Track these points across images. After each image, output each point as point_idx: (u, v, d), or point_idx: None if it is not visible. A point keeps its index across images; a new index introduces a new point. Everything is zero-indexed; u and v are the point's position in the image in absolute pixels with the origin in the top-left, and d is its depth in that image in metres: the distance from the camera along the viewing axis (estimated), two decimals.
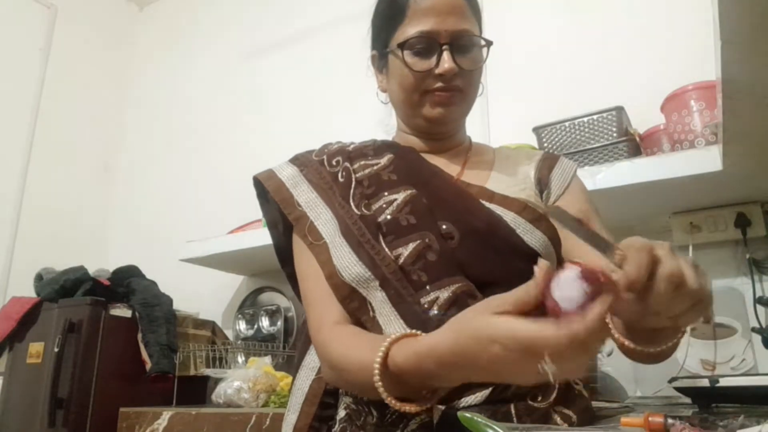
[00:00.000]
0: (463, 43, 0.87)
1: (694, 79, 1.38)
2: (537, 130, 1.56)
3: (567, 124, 1.51)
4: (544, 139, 1.54)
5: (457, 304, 0.75)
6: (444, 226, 0.81)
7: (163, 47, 2.95)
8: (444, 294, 0.76)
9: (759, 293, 1.40)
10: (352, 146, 0.95)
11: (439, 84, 0.86)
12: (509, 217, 0.83)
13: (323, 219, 0.85)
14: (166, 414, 1.52)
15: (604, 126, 1.47)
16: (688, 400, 1.16)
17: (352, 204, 0.85)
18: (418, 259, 0.78)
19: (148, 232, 2.60)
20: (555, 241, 0.85)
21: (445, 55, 0.85)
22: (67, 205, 2.60)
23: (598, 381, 1.41)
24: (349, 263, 0.79)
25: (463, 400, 0.72)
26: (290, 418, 0.87)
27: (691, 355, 1.42)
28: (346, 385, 0.78)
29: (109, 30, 2.96)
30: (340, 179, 0.88)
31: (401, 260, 0.79)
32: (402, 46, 0.87)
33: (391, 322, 0.77)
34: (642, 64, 1.67)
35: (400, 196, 0.84)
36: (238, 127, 2.50)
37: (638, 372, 1.51)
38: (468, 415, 0.53)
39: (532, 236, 0.83)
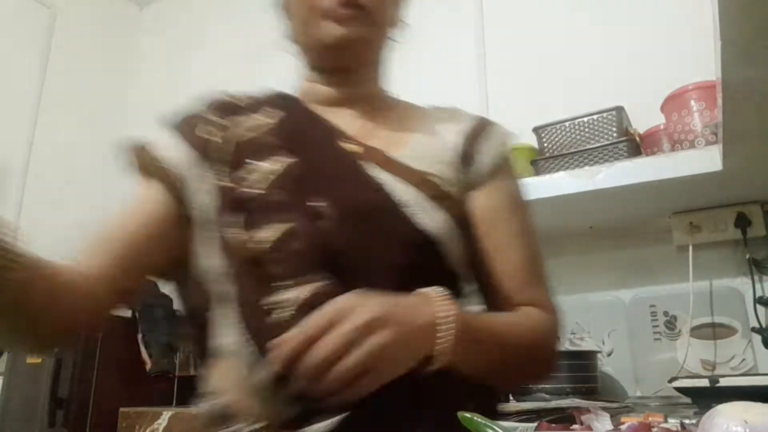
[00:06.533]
0: None
1: (694, 79, 1.37)
2: (537, 130, 1.56)
3: (567, 124, 1.51)
4: (544, 139, 1.54)
5: (317, 307, 0.56)
6: (316, 204, 0.67)
7: (163, 47, 2.95)
8: (303, 293, 0.63)
9: (759, 293, 1.40)
10: (244, 102, 0.81)
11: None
12: (407, 192, 0.70)
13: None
14: (166, 414, 1.51)
15: (604, 126, 1.47)
16: (688, 400, 1.17)
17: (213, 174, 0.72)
18: (279, 247, 0.65)
19: None
20: (463, 223, 0.72)
21: None
22: (68, 205, 2.60)
23: (598, 381, 1.41)
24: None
25: (308, 428, 0.60)
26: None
27: (691, 355, 1.42)
28: None
29: (109, 30, 2.96)
30: (216, 142, 0.75)
31: (260, 247, 0.65)
32: None
33: (229, 326, 0.66)
34: (642, 64, 1.67)
35: (274, 166, 0.70)
36: None
37: (638, 372, 1.51)
38: (468, 415, 0.53)
39: (430, 217, 0.69)
